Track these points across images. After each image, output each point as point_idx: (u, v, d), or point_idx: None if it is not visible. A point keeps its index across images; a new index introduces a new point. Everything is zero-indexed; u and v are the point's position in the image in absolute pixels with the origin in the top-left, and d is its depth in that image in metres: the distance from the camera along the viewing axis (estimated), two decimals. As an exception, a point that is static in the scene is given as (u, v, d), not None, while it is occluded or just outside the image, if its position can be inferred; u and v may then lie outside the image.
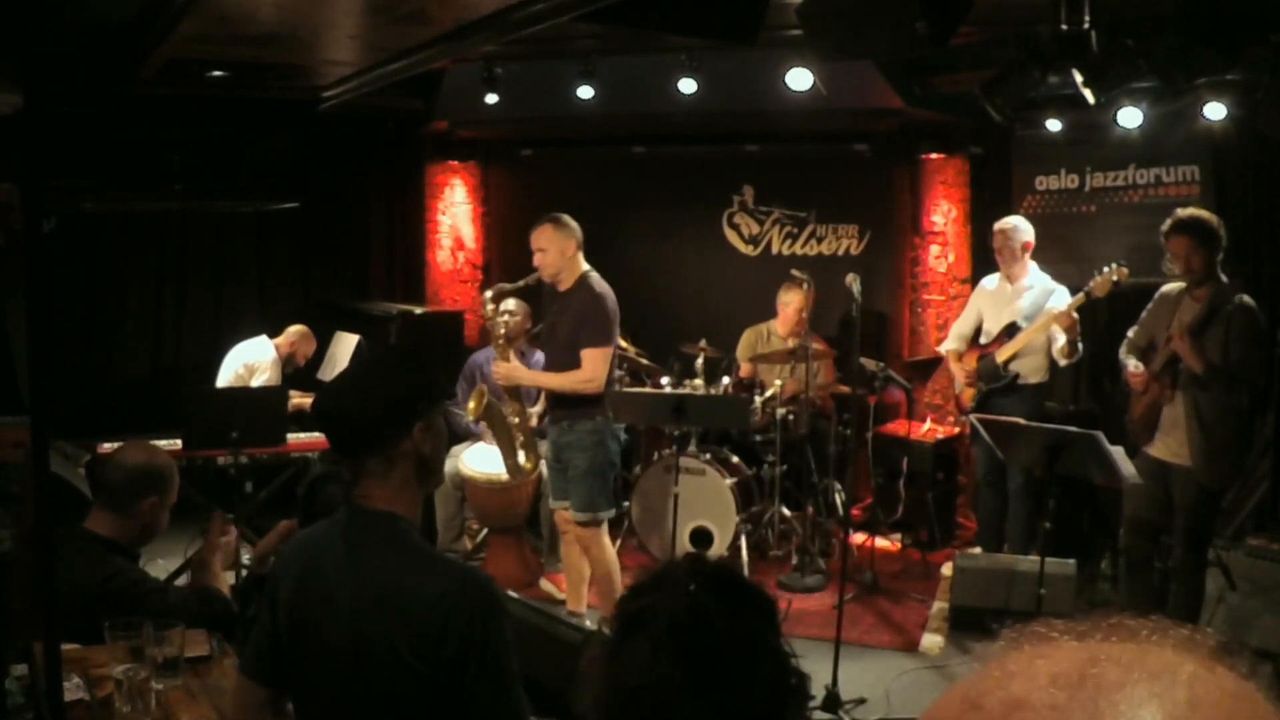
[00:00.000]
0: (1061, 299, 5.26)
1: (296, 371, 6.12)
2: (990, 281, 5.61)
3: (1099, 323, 5.79)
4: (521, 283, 4.57)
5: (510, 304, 5.96)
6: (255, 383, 5.81)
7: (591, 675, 1.36)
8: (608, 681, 1.34)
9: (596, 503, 4.49)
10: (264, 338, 6.05)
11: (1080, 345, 5.10)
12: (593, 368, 4.39)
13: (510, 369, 4.55)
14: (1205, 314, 4.20)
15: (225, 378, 5.89)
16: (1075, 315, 4.96)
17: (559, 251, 4.45)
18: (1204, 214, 4.27)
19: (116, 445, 3.41)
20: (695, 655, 1.31)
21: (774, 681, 1.35)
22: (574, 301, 4.47)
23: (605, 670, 1.35)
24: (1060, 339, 5.08)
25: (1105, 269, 4.86)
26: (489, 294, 4.66)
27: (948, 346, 5.75)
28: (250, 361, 5.90)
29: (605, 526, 4.58)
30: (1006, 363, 5.31)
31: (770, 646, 1.37)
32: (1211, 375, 4.14)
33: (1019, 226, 5.43)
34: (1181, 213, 4.30)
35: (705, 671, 1.31)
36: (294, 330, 6.14)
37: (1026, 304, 5.35)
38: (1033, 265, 5.44)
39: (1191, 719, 0.52)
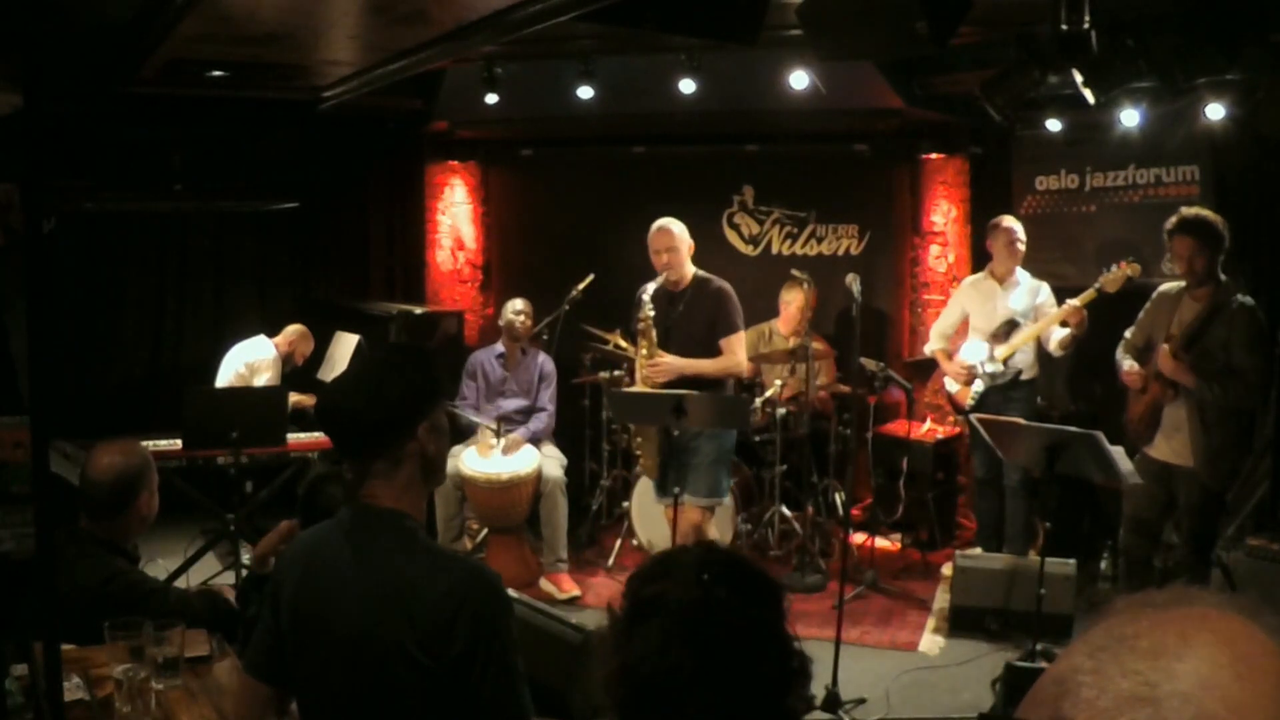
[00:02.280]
0: (1046, 294, 5.35)
1: (295, 371, 6.11)
2: (974, 280, 5.64)
3: (1100, 322, 5.79)
4: (670, 285, 4.65)
5: (519, 305, 5.95)
6: (257, 382, 5.81)
7: (603, 658, 1.39)
8: (620, 667, 1.36)
9: (721, 488, 4.74)
10: (263, 337, 6.05)
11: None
12: (736, 352, 4.70)
13: (673, 362, 4.61)
14: (1206, 315, 4.19)
15: (226, 378, 5.89)
16: (1084, 311, 4.97)
17: (684, 251, 4.66)
18: (1209, 214, 4.25)
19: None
20: (706, 644, 1.34)
21: (779, 666, 1.38)
22: (698, 298, 4.68)
23: (617, 655, 1.38)
24: (1062, 332, 5.10)
25: (1116, 265, 4.85)
26: (645, 297, 4.62)
27: (934, 347, 5.76)
28: (251, 361, 5.89)
29: None
30: (1005, 360, 5.33)
31: (776, 633, 1.40)
32: (1205, 389, 4.14)
33: (1018, 225, 5.47)
34: (1186, 212, 4.29)
35: (715, 660, 1.34)
36: (292, 330, 6.14)
37: (1019, 302, 5.39)
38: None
39: (1234, 669, 0.57)
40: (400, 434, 1.95)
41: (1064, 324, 5.09)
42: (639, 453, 4.93)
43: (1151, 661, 0.57)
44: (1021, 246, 5.41)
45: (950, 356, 5.61)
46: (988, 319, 5.46)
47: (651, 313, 4.63)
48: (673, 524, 4.54)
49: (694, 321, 4.67)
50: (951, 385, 5.59)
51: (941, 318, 5.83)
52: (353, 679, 1.88)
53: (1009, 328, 5.35)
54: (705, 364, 4.63)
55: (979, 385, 5.40)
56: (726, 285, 4.74)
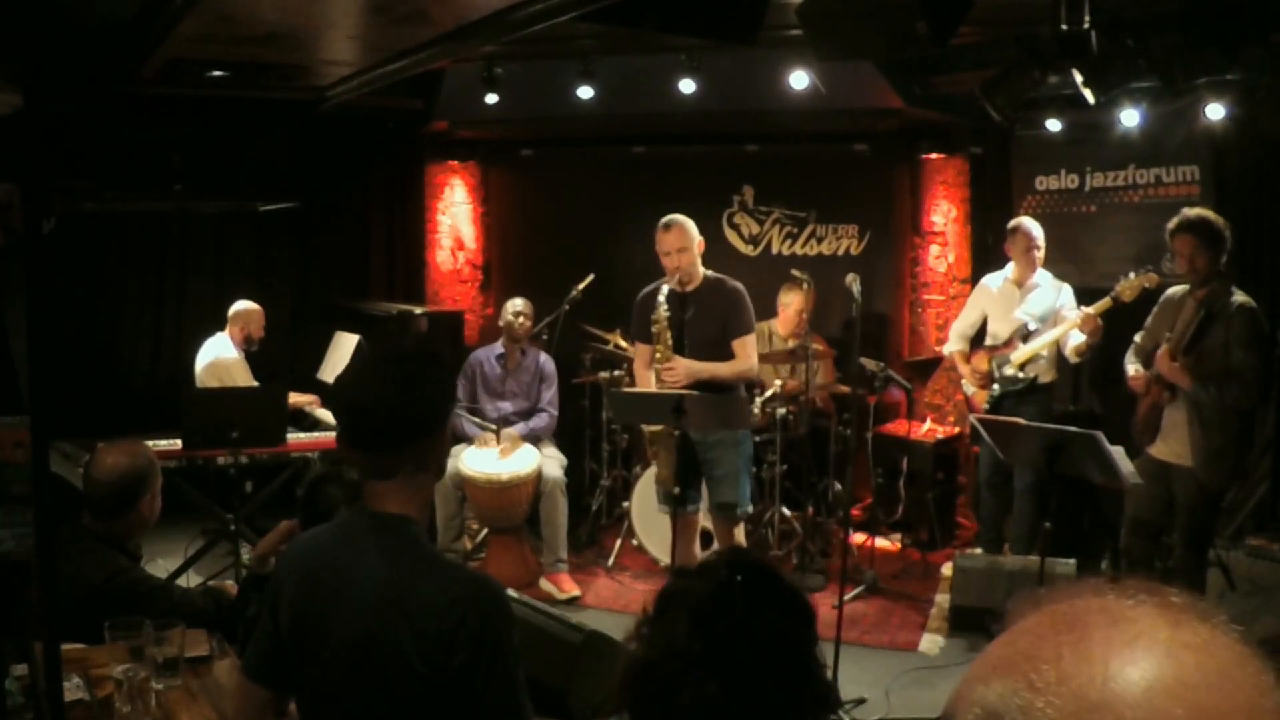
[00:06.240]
0: (1069, 296, 5.25)
1: (295, 372, 6.08)
2: (994, 282, 5.53)
3: (1123, 324, 5.76)
4: (679, 286, 4.49)
5: (519, 305, 5.95)
6: (230, 383, 5.74)
7: (626, 653, 1.41)
8: (635, 655, 1.38)
9: (745, 497, 4.63)
10: (221, 335, 5.93)
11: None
12: (750, 354, 4.58)
13: (688, 365, 4.48)
14: (1203, 317, 4.19)
15: (200, 379, 5.84)
16: (1099, 320, 4.88)
17: (695, 250, 4.51)
18: (1211, 215, 4.25)
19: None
20: (716, 633, 1.35)
21: (797, 684, 1.37)
22: (711, 299, 4.53)
23: (636, 646, 1.41)
24: (1078, 338, 5.02)
25: (1134, 274, 4.75)
26: (661, 298, 4.49)
27: (952, 348, 5.68)
28: (215, 364, 5.80)
29: None
30: (1022, 366, 5.25)
31: (798, 649, 1.40)
32: (1202, 390, 4.15)
33: (1036, 226, 5.38)
34: (1189, 212, 4.29)
35: (723, 651, 1.35)
36: (235, 314, 5.97)
37: (1037, 305, 5.29)
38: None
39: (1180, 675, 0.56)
40: (427, 433, 1.95)
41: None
42: (655, 462, 4.81)
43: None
44: (1039, 253, 5.32)
45: (968, 359, 5.53)
46: (1005, 323, 5.37)
47: (667, 314, 4.49)
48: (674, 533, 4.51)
49: (707, 323, 4.53)
50: (968, 388, 5.54)
51: (960, 318, 5.72)
52: (353, 684, 1.87)
53: (1024, 334, 5.27)
54: (721, 367, 4.53)
55: (996, 389, 5.32)
56: (741, 286, 4.60)
